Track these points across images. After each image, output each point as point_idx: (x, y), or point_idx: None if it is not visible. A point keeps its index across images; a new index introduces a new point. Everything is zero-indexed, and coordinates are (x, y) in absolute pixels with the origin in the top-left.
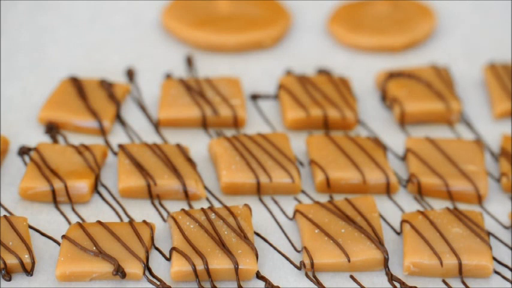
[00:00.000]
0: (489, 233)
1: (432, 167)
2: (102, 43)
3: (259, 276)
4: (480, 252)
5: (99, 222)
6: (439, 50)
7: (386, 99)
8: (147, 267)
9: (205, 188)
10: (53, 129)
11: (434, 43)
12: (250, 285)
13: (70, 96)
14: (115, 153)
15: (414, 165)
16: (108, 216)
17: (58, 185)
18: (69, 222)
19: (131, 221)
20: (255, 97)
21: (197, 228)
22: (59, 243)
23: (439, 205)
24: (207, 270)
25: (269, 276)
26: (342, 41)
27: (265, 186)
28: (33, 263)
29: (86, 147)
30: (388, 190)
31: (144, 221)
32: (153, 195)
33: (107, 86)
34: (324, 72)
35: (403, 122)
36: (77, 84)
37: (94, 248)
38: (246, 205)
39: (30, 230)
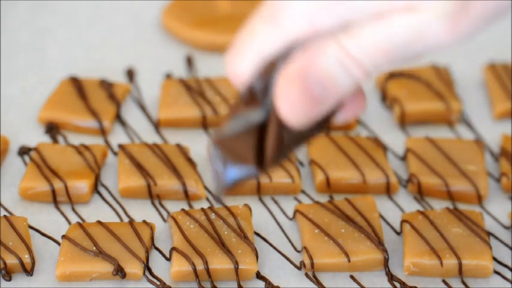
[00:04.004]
0: (489, 233)
1: (432, 167)
2: (102, 43)
3: (259, 276)
4: (480, 252)
5: (99, 222)
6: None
7: (386, 99)
8: (147, 267)
9: (205, 188)
10: (53, 129)
11: None
12: (250, 285)
13: (70, 96)
14: (115, 153)
15: (414, 165)
16: (108, 216)
17: (58, 185)
18: (69, 222)
19: (131, 221)
20: None
21: (197, 228)
22: (59, 243)
23: (439, 205)
24: (207, 270)
25: (269, 276)
26: None
27: (265, 186)
28: (33, 263)
29: (86, 147)
30: (388, 190)
31: (144, 221)
32: (153, 195)
33: (107, 86)
34: None
35: (403, 122)
36: (77, 84)
37: (94, 248)
38: (246, 205)
39: (30, 230)
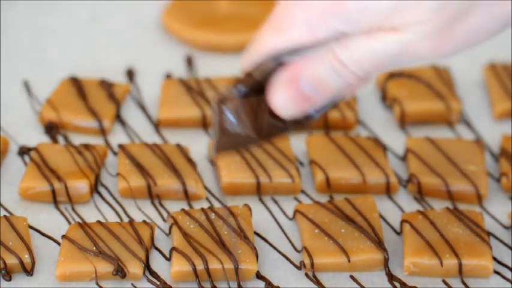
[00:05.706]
0: (489, 233)
1: (432, 167)
2: (102, 43)
3: (259, 276)
4: (480, 252)
5: (99, 222)
6: None
7: (386, 99)
8: (147, 267)
9: (205, 188)
10: (53, 129)
11: None
12: (250, 285)
13: (70, 96)
14: (115, 153)
15: (414, 165)
16: (108, 216)
17: (58, 185)
18: (69, 222)
19: (131, 221)
20: None
21: (197, 228)
22: (59, 243)
23: (439, 205)
24: (207, 270)
25: (269, 276)
26: None
27: (265, 186)
28: (33, 263)
29: (86, 147)
30: (388, 190)
31: (144, 221)
32: (153, 195)
33: (107, 86)
34: None
35: (403, 122)
36: (77, 84)
37: (94, 248)
38: (246, 205)
39: (30, 230)
